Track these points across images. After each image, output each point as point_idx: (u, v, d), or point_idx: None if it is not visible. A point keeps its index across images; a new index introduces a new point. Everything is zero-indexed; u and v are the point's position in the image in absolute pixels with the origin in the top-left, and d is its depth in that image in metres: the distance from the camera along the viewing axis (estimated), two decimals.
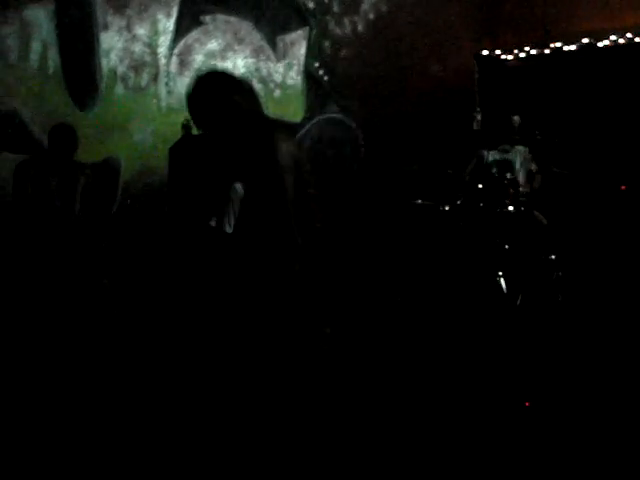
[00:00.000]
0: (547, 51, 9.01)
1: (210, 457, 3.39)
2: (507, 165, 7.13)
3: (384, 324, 6.00)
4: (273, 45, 8.08)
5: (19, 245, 5.37)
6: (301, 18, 8.33)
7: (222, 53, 7.62)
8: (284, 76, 8.22)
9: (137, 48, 6.93)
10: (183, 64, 7.28)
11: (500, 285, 6.18)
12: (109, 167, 6.71)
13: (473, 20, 9.73)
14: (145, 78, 7.01)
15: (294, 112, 8.37)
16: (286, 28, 8.20)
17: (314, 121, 8.54)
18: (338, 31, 8.69)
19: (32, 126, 6.23)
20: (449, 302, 6.15)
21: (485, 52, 9.51)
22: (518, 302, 6.10)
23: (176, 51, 7.19)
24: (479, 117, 9.20)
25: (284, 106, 8.24)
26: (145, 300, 5.45)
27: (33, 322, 5.06)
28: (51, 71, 6.38)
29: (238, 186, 3.79)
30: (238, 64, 7.75)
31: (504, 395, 4.48)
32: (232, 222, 3.22)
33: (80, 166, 5.62)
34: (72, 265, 5.41)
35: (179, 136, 6.60)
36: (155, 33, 7.06)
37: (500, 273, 6.21)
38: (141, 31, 6.96)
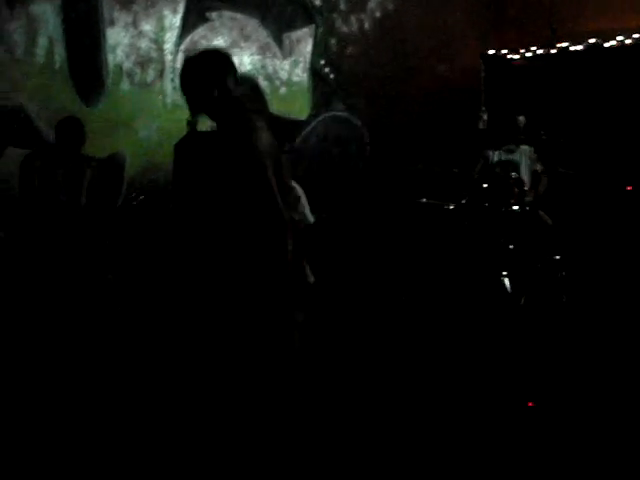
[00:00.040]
0: (553, 51, 8.98)
1: (204, 453, 3.39)
2: (512, 165, 7.12)
3: (389, 322, 6.00)
4: (279, 42, 8.07)
5: (24, 238, 5.37)
6: (307, 15, 8.32)
7: (228, 50, 7.59)
8: (290, 73, 8.22)
9: (143, 44, 6.93)
10: None
11: (504, 285, 6.18)
12: (114, 163, 6.71)
13: (480, 19, 9.72)
14: (151, 74, 7.01)
15: (300, 110, 8.37)
16: (292, 25, 8.19)
17: (320, 119, 8.53)
18: (344, 29, 8.68)
19: (38, 121, 6.23)
20: (453, 301, 6.15)
21: (491, 51, 9.49)
22: (522, 302, 6.10)
23: (182, 47, 7.18)
24: (485, 116, 9.19)
25: (290, 103, 8.23)
26: (149, 295, 5.44)
27: (38, 317, 5.06)
28: (57, 66, 6.38)
29: None
30: (244, 61, 7.74)
31: (507, 395, 4.48)
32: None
33: (87, 159, 5.62)
34: (77, 259, 5.41)
35: (184, 132, 6.59)
36: (161, 29, 7.06)
37: (504, 273, 6.21)
38: (147, 27, 6.95)
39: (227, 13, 7.59)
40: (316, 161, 8.37)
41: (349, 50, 8.74)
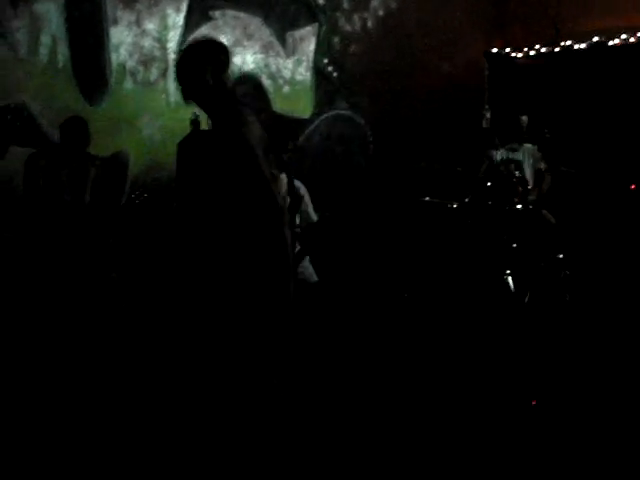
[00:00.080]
0: (557, 49, 8.97)
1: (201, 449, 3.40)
2: (515, 163, 7.12)
3: (392, 320, 6.00)
4: (282, 41, 8.07)
5: (29, 237, 5.38)
6: (311, 14, 8.31)
7: (231, 49, 7.52)
8: (293, 72, 8.21)
9: (146, 43, 6.93)
10: None
11: (508, 283, 6.18)
12: (118, 161, 6.72)
13: (483, 18, 9.70)
14: (154, 73, 7.01)
15: (303, 108, 8.36)
16: (295, 24, 8.19)
17: (323, 117, 8.52)
18: (348, 27, 8.67)
19: (41, 120, 6.23)
20: (457, 300, 6.15)
21: (495, 50, 9.48)
22: (525, 301, 6.10)
23: (184, 46, 7.18)
24: (488, 115, 9.18)
25: (293, 102, 8.23)
26: (153, 293, 5.45)
27: (43, 315, 5.07)
28: (60, 65, 6.39)
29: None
30: (247, 60, 7.75)
31: (511, 393, 4.48)
32: None
33: (91, 158, 5.63)
34: (81, 258, 5.42)
35: (188, 131, 6.59)
36: (165, 28, 7.06)
37: (508, 271, 6.21)
38: (150, 26, 6.96)
39: (230, 12, 7.59)
40: (319, 160, 8.37)
41: (352, 49, 8.73)
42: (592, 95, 8.46)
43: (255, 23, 7.80)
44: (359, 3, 8.75)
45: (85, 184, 5.55)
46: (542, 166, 7.40)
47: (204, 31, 7.36)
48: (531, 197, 6.86)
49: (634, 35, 8.41)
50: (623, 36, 8.47)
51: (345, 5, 8.64)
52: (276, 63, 8.04)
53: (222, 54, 3.45)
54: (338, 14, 8.59)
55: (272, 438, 3.27)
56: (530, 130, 7.48)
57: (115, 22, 6.70)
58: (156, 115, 7.01)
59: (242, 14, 7.68)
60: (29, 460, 3.63)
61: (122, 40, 6.76)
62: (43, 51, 6.27)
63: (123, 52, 6.77)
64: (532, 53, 9.20)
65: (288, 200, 4.83)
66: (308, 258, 5.42)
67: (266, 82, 7.96)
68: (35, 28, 6.18)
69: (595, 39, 8.67)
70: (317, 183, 6.40)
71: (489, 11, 9.71)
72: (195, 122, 6.49)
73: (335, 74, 8.61)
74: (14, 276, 5.28)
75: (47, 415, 4.09)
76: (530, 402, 4.35)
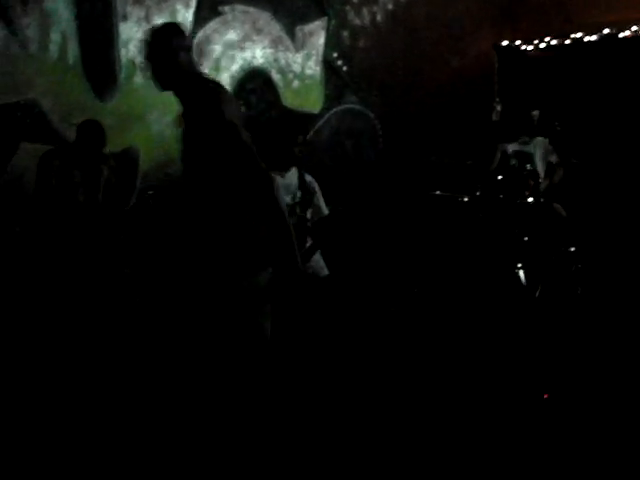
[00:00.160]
0: (568, 41, 8.93)
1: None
2: (526, 157, 7.09)
3: (403, 314, 6.00)
4: (292, 35, 8.06)
5: (41, 236, 5.40)
6: (320, 8, 8.30)
7: (241, 43, 7.61)
8: (303, 66, 8.21)
9: None
10: (201, 55, 7.28)
11: (519, 277, 6.16)
12: (128, 157, 6.73)
13: (493, 10, 9.65)
14: None
15: (313, 103, 8.36)
16: (305, 18, 8.17)
17: (332, 112, 8.52)
18: (357, 21, 8.66)
19: (51, 116, 6.25)
20: (468, 293, 6.14)
21: (505, 42, 9.44)
22: (537, 294, 6.08)
23: (195, 42, 7.18)
24: (499, 108, 9.15)
25: (303, 97, 8.22)
26: (166, 289, 5.47)
27: (55, 313, 5.09)
28: (70, 61, 6.40)
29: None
30: (257, 54, 7.74)
31: (522, 387, 4.47)
32: None
33: (104, 157, 5.65)
34: (94, 255, 5.44)
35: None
36: None
37: (519, 265, 6.19)
38: (160, 21, 6.93)
39: (239, 6, 7.58)
40: (329, 154, 8.36)
41: (361, 42, 8.71)
42: (603, 87, 8.42)
43: (264, 17, 7.79)
44: None
45: (98, 185, 5.58)
46: (553, 159, 7.37)
47: (213, 26, 7.36)
48: (542, 189, 6.83)
49: None
50: (634, 28, 8.42)
51: None
52: (285, 57, 8.04)
53: (182, 34, 3.47)
54: (347, 8, 8.57)
55: (269, 434, 3.27)
56: (541, 123, 7.45)
57: (124, 18, 6.71)
58: (166, 110, 7.00)
59: (251, 9, 7.68)
60: (31, 454, 3.65)
61: (131, 36, 6.76)
62: (53, 48, 6.28)
63: (132, 48, 6.77)
64: (542, 45, 9.16)
65: (299, 194, 4.82)
66: (319, 252, 5.41)
67: (276, 77, 7.95)
68: (45, 25, 6.20)
69: (606, 31, 8.62)
70: (327, 177, 6.39)
71: (499, 3, 9.67)
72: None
73: (345, 68, 8.60)
74: (24, 272, 5.30)
75: (54, 406, 4.12)
76: (542, 396, 4.35)
